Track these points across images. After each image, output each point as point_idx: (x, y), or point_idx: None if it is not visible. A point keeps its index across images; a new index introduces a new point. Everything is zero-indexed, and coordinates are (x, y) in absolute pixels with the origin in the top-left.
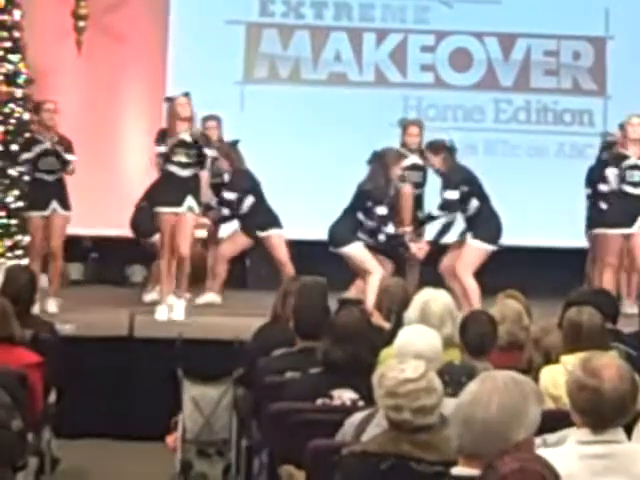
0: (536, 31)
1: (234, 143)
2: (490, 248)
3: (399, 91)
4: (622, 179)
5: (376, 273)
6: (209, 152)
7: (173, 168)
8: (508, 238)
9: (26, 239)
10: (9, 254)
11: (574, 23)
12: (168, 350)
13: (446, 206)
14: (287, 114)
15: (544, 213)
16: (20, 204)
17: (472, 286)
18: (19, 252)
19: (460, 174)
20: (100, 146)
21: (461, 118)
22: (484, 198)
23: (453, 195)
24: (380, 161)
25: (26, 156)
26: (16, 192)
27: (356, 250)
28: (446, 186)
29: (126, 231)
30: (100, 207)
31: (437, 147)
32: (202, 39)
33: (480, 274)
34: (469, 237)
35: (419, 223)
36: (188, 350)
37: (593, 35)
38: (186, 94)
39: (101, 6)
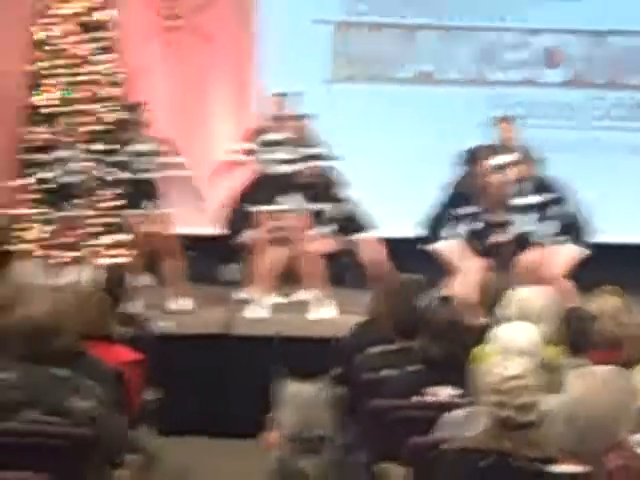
0: (625, 27)
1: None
2: (583, 252)
3: (489, 89)
4: None
5: (470, 269)
6: (305, 150)
7: (268, 167)
8: (604, 235)
9: (123, 237)
10: (106, 252)
11: None
12: (264, 347)
13: (515, 210)
14: (376, 112)
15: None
16: (117, 203)
17: (567, 286)
18: (116, 251)
19: (541, 182)
20: (189, 145)
21: (553, 116)
22: (572, 204)
23: (523, 201)
24: (470, 160)
25: (120, 157)
26: (114, 190)
27: (450, 247)
28: (522, 193)
29: (220, 229)
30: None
31: (527, 157)
32: (290, 38)
33: (576, 272)
34: (561, 241)
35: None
36: (285, 347)
37: None
38: (284, 94)
39: (190, 6)
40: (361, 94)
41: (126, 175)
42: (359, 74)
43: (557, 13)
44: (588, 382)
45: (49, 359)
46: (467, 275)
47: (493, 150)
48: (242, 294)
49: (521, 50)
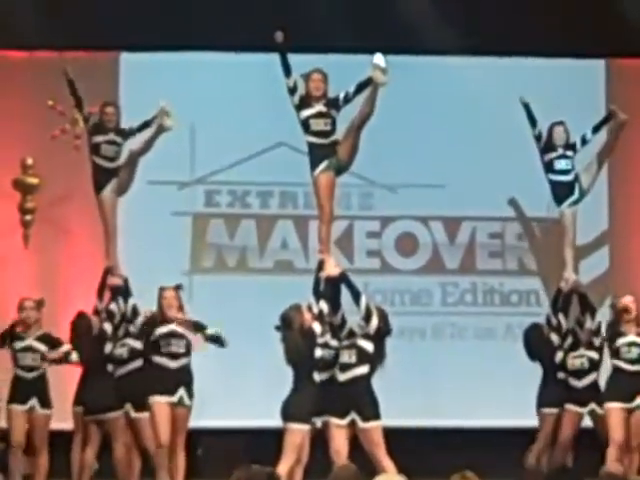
0: (480, 214)
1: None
2: None
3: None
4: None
5: None
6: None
7: (161, 360)
8: (457, 419)
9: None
10: None
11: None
12: None
13: None
14: (235, 304)
15: (494, 394)
16: None
17: None
18: None
19: None
20: None
21: (408, 302)
22: None
23: None
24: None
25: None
26: None
27: None
28: None
29: None
30: None
31: None
32: (149, 230)
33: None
34: None
35: None
36: None
37: (538, 215)
38: (176, 287)
39: (46, 200)
40: (221, 284)
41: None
42: (218, 265)
43: (410, 201)
44: None
45: None
46: None
47: None
48: None
49: (376, 238)
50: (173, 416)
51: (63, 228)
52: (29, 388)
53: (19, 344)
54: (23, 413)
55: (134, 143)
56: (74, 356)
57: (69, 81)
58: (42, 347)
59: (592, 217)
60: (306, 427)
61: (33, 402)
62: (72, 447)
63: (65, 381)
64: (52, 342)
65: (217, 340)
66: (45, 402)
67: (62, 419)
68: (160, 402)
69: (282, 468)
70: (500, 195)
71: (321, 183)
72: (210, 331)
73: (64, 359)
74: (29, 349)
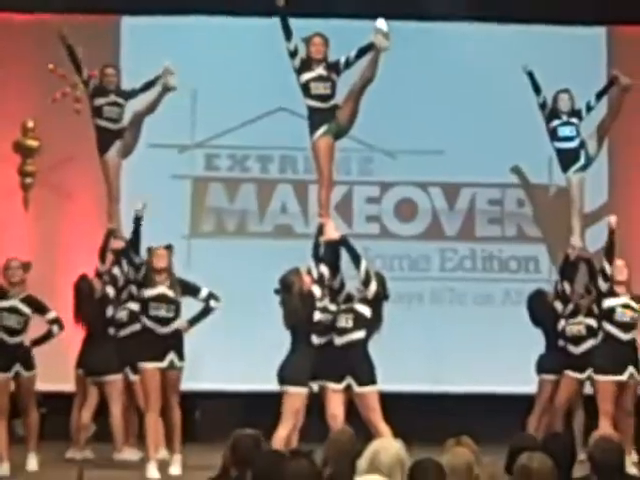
0: (480, 180)
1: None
2: None
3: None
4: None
5: None
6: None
7: (150, 324)
8: (454, 385)
9: None
10: None
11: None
12: None
13: None
14: (234, 267)
15: (491, 359)
16: None
17: None
18: None
19: None
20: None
21: (407, 268)
22: None
23: None
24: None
25: None
26: None
27: None
28: None
29: None
30: None
31: None
32: (149, 193)
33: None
34: None
35: None
36: None
37: (540, 182)
38: (167, 247)
39: (47, 163)
40: (220, 249)
41: None
42: (218, 229)
43: (409, 167)
44: None
45: None
46: None
47: None
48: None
49: (375, 203)
50: (164, 380)
51: (63, 191)
52: (12, 353)
53: (3, 303)
54: (7, 380)
55: (138, 104)
56: (56, 329)
57: (68, 46)
58: (27, 310)
59: (592, 189)
60: (304, 390)
61: (17, 367)
62: (73, 409)
63: (66, 343)
64: (37, 305)
65: (207, 305)
66: (29, 365)
67: (62, 381)
68: (149, 368)
69: (281, 432)
70: (500, 161)
71: (320, 147)
72: (203, 294)
73: (47, 336)
74: (14, 310)
